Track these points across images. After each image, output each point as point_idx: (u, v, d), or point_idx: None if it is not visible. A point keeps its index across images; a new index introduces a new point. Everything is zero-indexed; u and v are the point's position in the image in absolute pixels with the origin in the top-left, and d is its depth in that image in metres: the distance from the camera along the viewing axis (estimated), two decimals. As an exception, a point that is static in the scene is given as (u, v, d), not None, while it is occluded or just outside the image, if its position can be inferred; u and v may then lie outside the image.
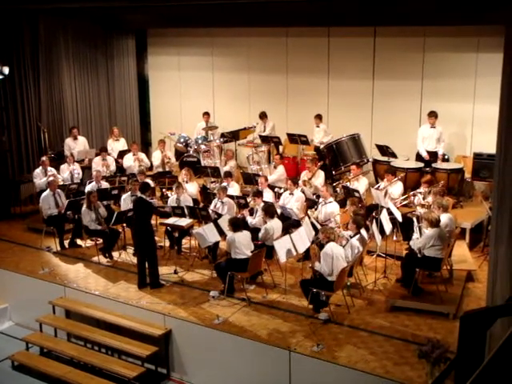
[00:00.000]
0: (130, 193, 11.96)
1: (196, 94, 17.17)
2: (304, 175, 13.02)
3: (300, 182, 12.58)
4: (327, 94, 15.24)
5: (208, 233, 10.11)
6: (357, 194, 11.44)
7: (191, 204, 11.77)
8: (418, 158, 13.24)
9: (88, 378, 9.14)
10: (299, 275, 10.21)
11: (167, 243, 11.75)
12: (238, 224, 9.92)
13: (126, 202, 11.90)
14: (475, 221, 11.55)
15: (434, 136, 13.03)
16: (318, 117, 14.67)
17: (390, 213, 10.28)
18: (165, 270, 10.77)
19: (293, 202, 11.59)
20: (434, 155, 13.03)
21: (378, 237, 9.74)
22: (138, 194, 10.83)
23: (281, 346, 8.32)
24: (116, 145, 15.73)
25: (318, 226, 10.64)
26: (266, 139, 14.88)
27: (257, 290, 10.01)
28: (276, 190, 12.36)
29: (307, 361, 8.07)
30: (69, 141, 15.23)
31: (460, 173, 12.54)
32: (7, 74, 13.62)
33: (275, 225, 10.50)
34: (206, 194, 12.60)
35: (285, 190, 12.25)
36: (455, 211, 11.47)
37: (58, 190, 12.37)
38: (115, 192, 12.64)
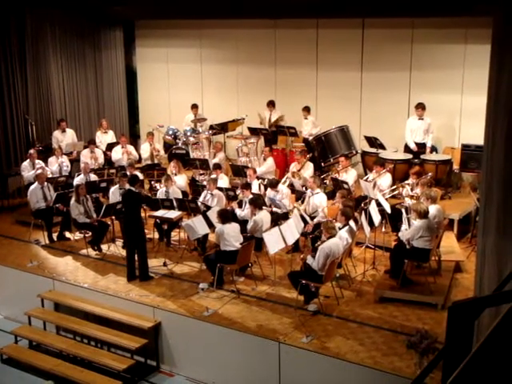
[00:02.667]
0: (118, 185, 11.93)
1: (184, 87, 17.12)
2: (293, 167, 13.04)
3: (289, 174, 12.58)
4: (316, 85, 15.24)
5: (197, 225, 10.12)
6: (346, 186, 11.46)
7: (180, 196, 11.76)
8: (407, 149, 13.28)
9: (77, 370, 9.13)
10: (288, 267, 10.21)
11: (156, 236, 11.74)
12: (226, 216, 9.92)
13: (114, 194, 11.86)
14: (463, 212, 11.61)
15: (421, 128, 13.06)
16: (306, 109, 14.67)
17: (378, 204, 10.31)
18: (154, 263, 10.76)
19: (280, 199, 11.53)
20: (421, 147, 13.07)
21: (366, 228, 9.77)
22: (127, 186, 10.79)
23: (270, 337, 8.34)
24: (104, 137, 15.67)
25: (308, 218, 10.67)
26: (255, 131, 14.89)
27: (246, 282, 10.02)
28: (259, 181, 12.28)
29: (297, 352, 8.10)
30: (57, 133, 15.15)
31: (448, 164, 12.59)
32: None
33: (264, 217, 10.51)
34: (195, 187, 12.58)
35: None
36: (443, 202, 11.53)
37: (46, 183, 12.31)
38: (104, 185, 12.59)
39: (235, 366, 8.75)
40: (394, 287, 9.27)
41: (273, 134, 15.02)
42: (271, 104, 15.24)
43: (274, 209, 11.30)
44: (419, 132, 13.08)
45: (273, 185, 11.66)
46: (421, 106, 12.97)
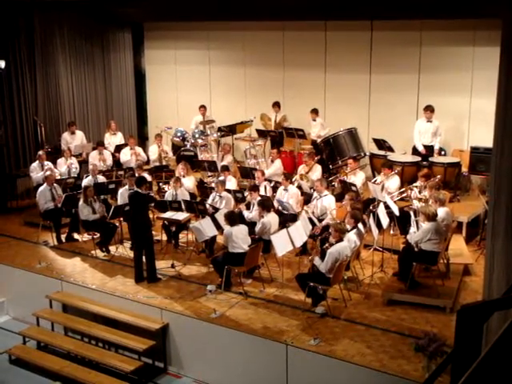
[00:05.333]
0: (127, 187, 11.94)
1: (192, 88, 17.15)
2: (301, 169, 13.03)
3: (297, 176, 12.57)
4: (324, 88, 15.23)
5: (205, 227, 10.12)
6: (354, 188, 11.44)
7: (188, 198, 11.77)
8: (415, 151, 13.24)
9: (85, 371, 9.15)
10: (296, 269, 10.21)
11: (164, 237, 11.75)
12: (234, 218, 9.93)
13: (122, 196, 11.88)
14: (472, 215, 11.57)
15: (429, 130, 13.02)
16: (314, 111, 14.65)
17: (386, 207, 10.28)
18: (162, 264, 10.77)
19: (288, 198, 11.56)
20: (430, 149, 13.03)
21: (375, 231, 9.75)
22: (134, 188, 10.80)
23: (278, 339, 8.33)
24: (113, 139, 15.70)
25: (315, 221, 10.66)
26: (263, 133, 14.90)
27: (254, 284, 10.02)
28: (265, 183, 12.28)
29: (304, 354, 8.09)
30: (66, 135, 15.21)
31: (457, 167, 12.54)
32: (3, 68, 13.59)
33: (272, 219, 10.50)
34: (203, 189, 12.59)
35: (276, 183, 12.23)
36: (452, 205, 11.48)
37: (55, 185, 12.35)
38: (112, 186, 12.61)
39: (242, 367, 8.74)
40: (402, 290, 9.24)
41: (280, 136, 15.02)
42: (277, 105, 15.25)
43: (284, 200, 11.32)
44: (427, 134, 13.05)
45: (287, 178, 11.76)
46: (429, 109, 12.94)
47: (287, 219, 10.94)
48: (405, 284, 9.27)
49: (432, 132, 13.01)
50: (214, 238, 10.94)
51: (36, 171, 13.54)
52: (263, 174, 12.38)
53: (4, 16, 14.16)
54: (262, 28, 15.72)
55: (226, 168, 12.84)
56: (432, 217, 9.08)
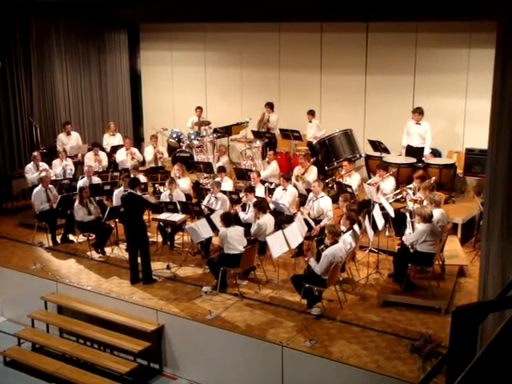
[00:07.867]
0: (122, 188, 11.92)
1: (188, 89, 17.14)
2: (297, 171, 13.03)
3: (292, 178, 12.58)
4: (320, 89, 15.24)
5: (201, 228, 10.12)
6: (349, 190, 11.44)
7: (184, 199, 11.76)
8: (409, 153, 13.21)
9: (80, 373, 9.13)
10: (292, 271, 10.22)
11: (160, 239, 11.73)
12: (229, 219, 9.91)
13: (118, 197, 11.85)
14: (467, 216, 11.59)
15: (418, 132, 12.92)
16: (311, 112, 14.66)
17: (382, 208, 10.29)
18: (157, 266, 10.77)
19: (286, 197, 11.57)
20: (419, 151, 12.96)
21: (370, 232, 9.75)
22: (129, 189, 10.78)
23: (273, 341, 8.33)
24: (112, 140, 15.65)
25: (311, 223, 10.66)
26: (258, 134, 14.89)
27: (249, 286, 10.01)
28: (266, 184, 12.30)
29: (300, 356, 8.09)
30: (61, 136, 15.16)
31: (452, 168, 12.55)
32: (-1, 69, 13.60)
33: (268, 220, 10.50)
34: (199, 190, 12.58)
35: (276, 186, 12.26)
36: (447, 206, 11.51)
37: (50, 186, 12.33)
38: (108, 187, 12.59)
39: (238, 369, 8.73)
40: (398, 291, 9.26)
41: (275, 138, 15.03)
42: (269, 106, 15.21)
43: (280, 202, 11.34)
44: (415, 136, 12.96)
45: (287, 178, 11.80)
46: (418, 111, 12.85)
47: (283, 220, 10.94)
48: (400, 285, 9.28)
49: (420, 134, 12.92)
50: (209, 240, 10.94)
51: (31, 172, 13.51)
52: (259, 175, 12.37)
53: (0, 17, 14.12)
54: (258, 29, 15.73)
55: (221, 169, 12.83)
56: (427, 218, 9.10)
